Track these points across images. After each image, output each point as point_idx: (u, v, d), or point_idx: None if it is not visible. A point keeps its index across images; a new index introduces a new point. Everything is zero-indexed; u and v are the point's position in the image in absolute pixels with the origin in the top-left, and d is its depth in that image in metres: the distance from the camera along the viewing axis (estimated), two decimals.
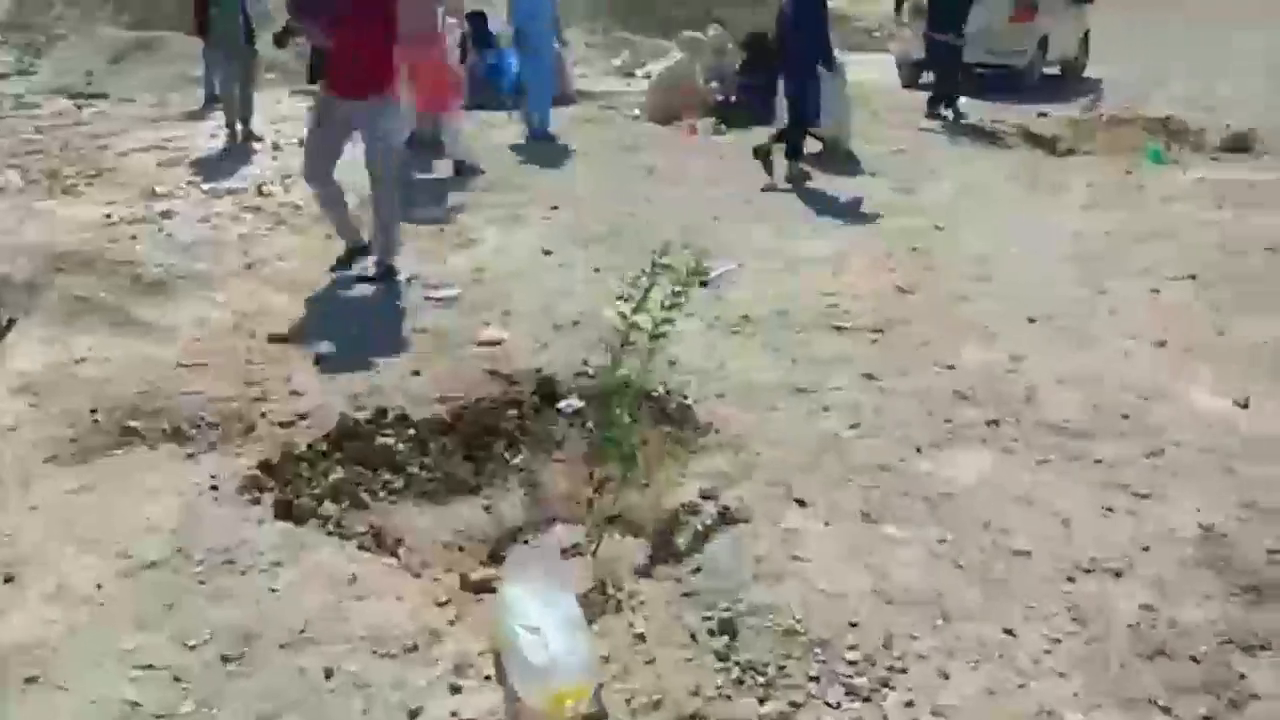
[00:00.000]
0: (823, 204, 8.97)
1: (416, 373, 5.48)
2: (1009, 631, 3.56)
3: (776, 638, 3.52)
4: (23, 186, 8.65)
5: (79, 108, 12.36)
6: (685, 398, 5.24)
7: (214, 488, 4.23)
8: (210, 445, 4.58)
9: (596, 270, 7.09)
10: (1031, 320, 6.37)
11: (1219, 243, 7.78)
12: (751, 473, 4.59)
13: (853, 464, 4.67)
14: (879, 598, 3.74)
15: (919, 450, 4.81)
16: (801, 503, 4.35)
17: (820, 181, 9.64)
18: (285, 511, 4.06)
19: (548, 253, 7.51)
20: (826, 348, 5.92)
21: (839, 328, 6.22)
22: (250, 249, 7.17)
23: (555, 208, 8.57)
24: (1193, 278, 7.08)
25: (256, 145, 10.26)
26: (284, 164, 9.28)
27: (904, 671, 3.36)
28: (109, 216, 7.86)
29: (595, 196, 8.90)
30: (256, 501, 4.15)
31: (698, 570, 3.92)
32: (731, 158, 10.49)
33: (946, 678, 3.34)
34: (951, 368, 5.69)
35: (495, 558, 4.14)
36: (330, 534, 4.01)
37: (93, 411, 4.81)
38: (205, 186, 8.71)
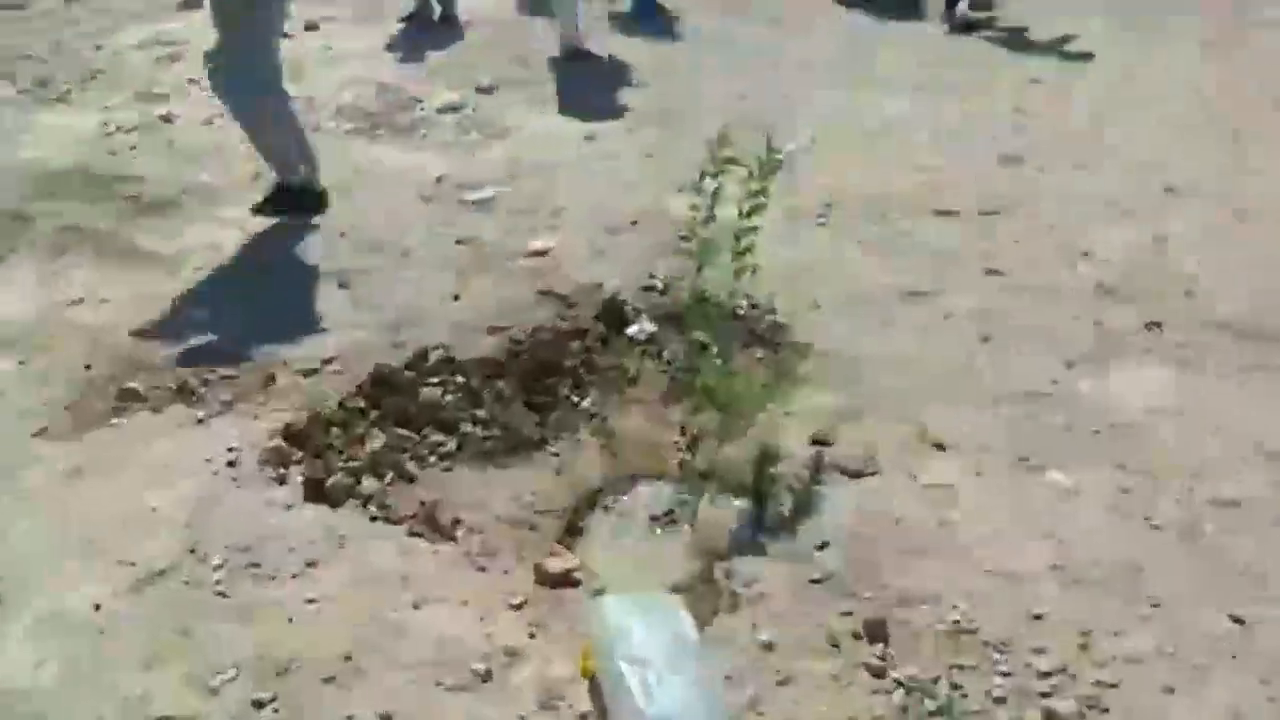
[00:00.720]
0: (896, 54, 7.76)
1: (457, 297, 4.68)
2: (1238, 620, 2.80)
3: (942, 640, 2.80)
4: (13, 96, 7.77)
5: (68, 3, 11.28)
6: (775, 313, 4.40)
7: (231, 464, 3.51)
8: (224, 405, 3.85)
9: (649, 156, 6.14)
10: (1169, 190, 5.39)
11: None
12: (872, 408, 3.80)
13: (995, 390, 3.86)
14: (1062, 576, 2.98)
15: (1071, 366, 3.98)
16: (941, 446, 3.57)
17: (889, 28, 8.38)
18: (317, 492, 3.34)
19: (590, 139, 6.53)
20: (934, 237, 5.02)
21: (943, 212, 5.28)
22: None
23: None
24: None
25: None
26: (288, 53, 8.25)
27: (1116, 686, 2.62)
28: (106, 125, 6.97)
29: (639, 64, 7.79)
30: (282, 480, 3.43)
31: (824, 546, 3.17)
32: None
33: (1172, 693, 2.60)
34: (1087, 255, 4.79)
35: (573, 531, 3.41)
36: (374, 518, 3.29)
37: (87, 368, 4.08)
38: (206, 84, 7.73)
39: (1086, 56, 7.38)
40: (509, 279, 4.86)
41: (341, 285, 4.77)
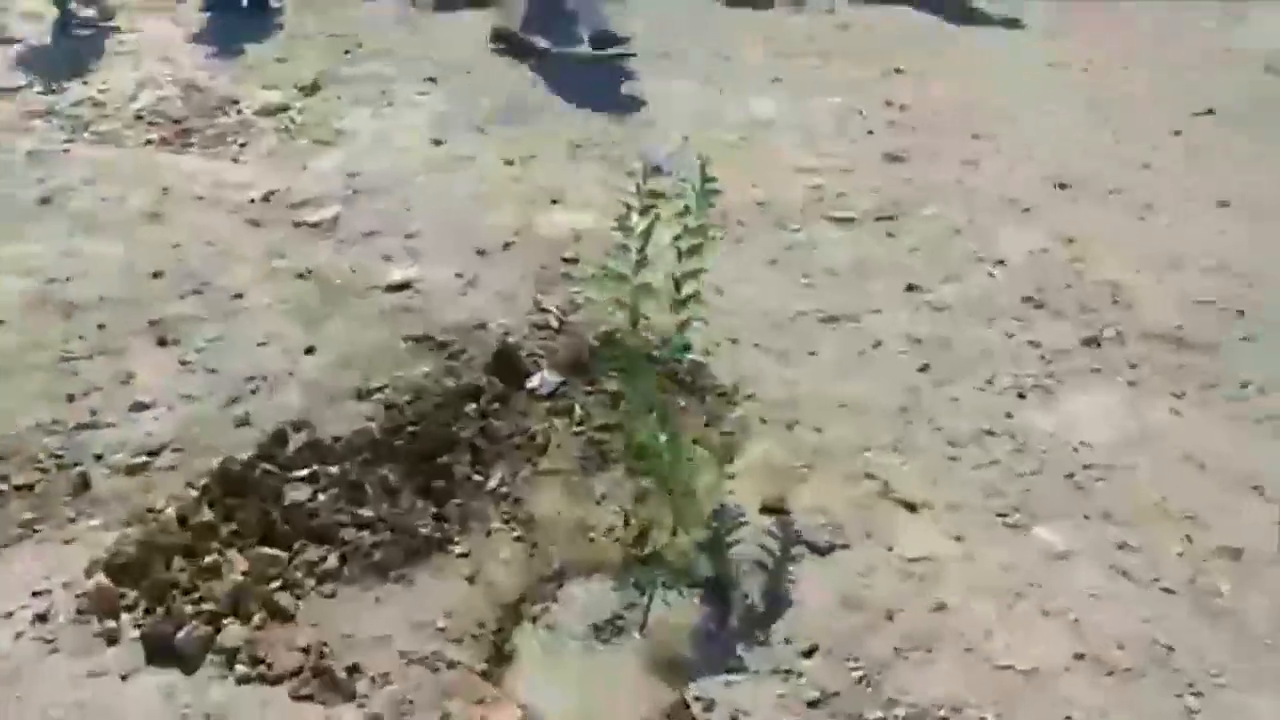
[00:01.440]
0: (758, 41, 7.31)
1: (310, 350, 3.90)
2: None
3: None
4: None
5: None
6: (687, 349, 3.85)
7: (40, 617, 2.67)
8: (21, 529, 2.97)
9: (509, 164, 5.45)
10: (1062, 186, 5.18)
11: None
12: (822, 461, 3.32)
13: (948, 431, 3.46)
14: (1090, 669, 2.59)
15: (1023, 396, 3.63)
16: (909, 506, 3.13)
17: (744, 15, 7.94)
18: (162, 650, 2.56)
19: (438, 143, 5.75)
20: (837, 250, 4.60)
21: (839, 219, 4.87)
22: (46, 173, 5.16)
23: (431, 80, 6.71)
24: (1210, 112, 6.00)
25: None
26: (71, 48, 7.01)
27: None
28: None
29: (478, 60, 7.04)
30: (112, 637, 2.63)
31: (812, 651, 2.67)
32: None
33: None
34: (1002, 263, 4.48)
35: (500, 658, 2.77)
36: (244, 680, 2.54)
37: None
38: None
39: (946, 41, 7.16)
40: (369, 322, 4.11)
41: (161, 342, 3.90)
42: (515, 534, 3.11)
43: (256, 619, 2.66)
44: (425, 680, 2.61)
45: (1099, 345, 3.89)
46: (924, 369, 3.78)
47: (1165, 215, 4.82)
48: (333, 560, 2.87)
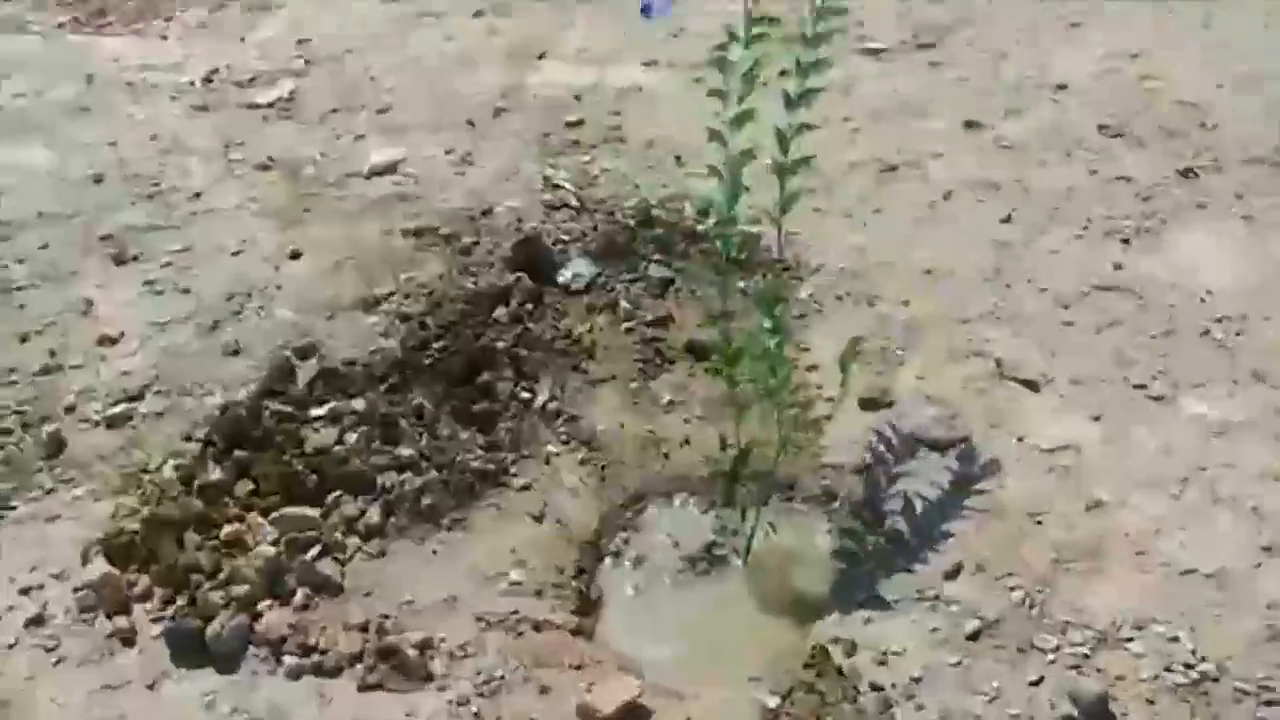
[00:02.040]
0: None
1: (296, 254, 3.33)
2: None
3: (1184, 697, 2.00)
4: None
5: None
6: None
7: (35, 620, 2.20)
8: None
9: (479, 14, 4.75)
10: None
11: None
12: (917, 342, 2.88)
13: (1056, 290, 3.01)
14: None
15: (1127, 242, 3.18)
16: (1030, 384, 2.70)
17: None
18: (192, 648, 2.11)
19: None
20: (877, 87, 4.03)
21: (871, 50, 4.28)
22: None
23: None
24: None
25: None
26: None
27: None
28: None
29: None
30: (128, 639, 2.16)
31: (956, 572, 2.29)
32: None
33: None
34: (1064, 88, 3.95)
35: (588, 606, 2.36)
36: (296, 674, 2.11)
37: None
38: None
39: None
40: (356, 216, 3.53)
41: (118, 260, 3.31)
42: (579, 456, 2.66)
43: (299, 597, 2.21)
44: (509, 647, 2.19)
45: (1196, 175, 3.43)
46: (1008, 219, 3.30)
47: (1228, 24, 4.27)
48: (374, 513, 2.41)
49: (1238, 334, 2.80)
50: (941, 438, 2.59)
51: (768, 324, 2.30)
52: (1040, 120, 3.77)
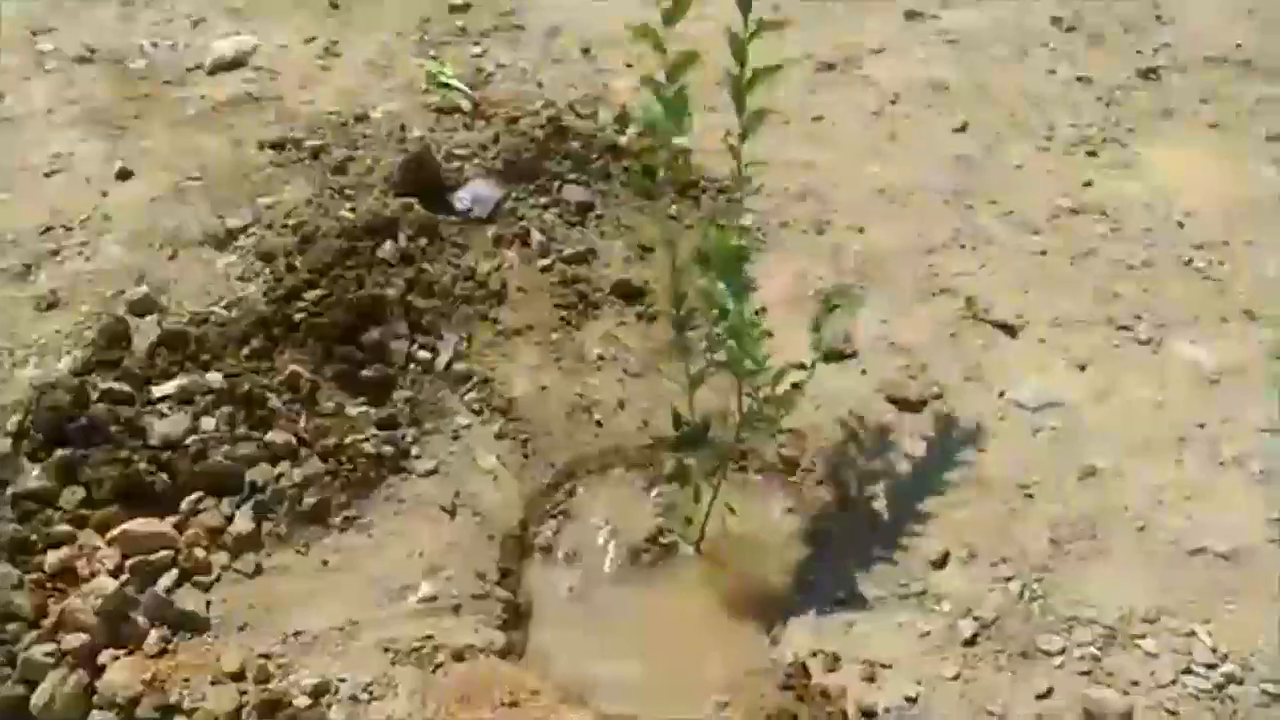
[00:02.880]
0: None
1: (126, 174, 2.73)
2: None
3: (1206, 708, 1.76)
4: None
5: None
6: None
7: None
8: None
9: None
10: None
11: None
12: (876, 275, 2.53)
13: (1023, 212, 2.70)
14: None
15: (1094, 155, 2.87)
16: (1008, 328, 2.41)
17: None
18: (15, 715, 1.64)
19: None
20: None
21: None
22: None
23: None
24: None
25: None
26: None
27: None
28: None
29: None
30: None
31: (944, 560, 1.99)
32: None
33: None
34: None
35: (517, 617, 1.98)
36: None
37: None
38: None
39: None
40: (198, 123, 2.95)
41: None
42: (494, 429, 2.23)
43: (153, 640, 1.75)
44: (426, 686, 1.79)
45: (1158, 77, 3.12)
46: (962, 129, 2.94)
47: None
48: (244, 519, 1.94)
49: (1221, 263, 2.54)
50: (912, 396, 2.26)
51: (724, 286, 1.88)
52: (988, 11, 3.38)
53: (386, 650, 1.84)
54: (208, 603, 1.85)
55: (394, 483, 2.09)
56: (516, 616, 1.99)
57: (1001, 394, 2.26)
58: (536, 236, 2.57)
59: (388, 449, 2.11)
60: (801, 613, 1.97)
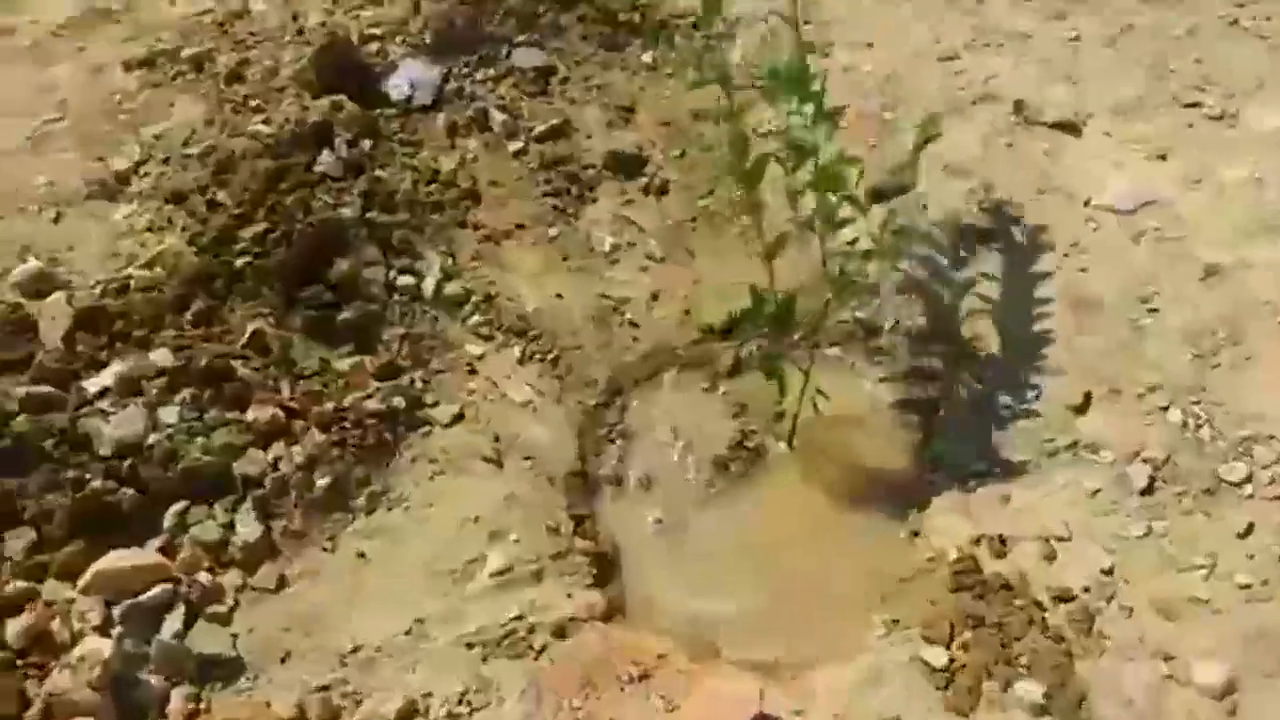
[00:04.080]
0: None
1: None
2: None
3: None
4: None
5: None
6: None
7: None
8: None
9: None
10: None
11: None
12: (893, 94, 2.17)
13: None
14: None
15: None
16: (1070, 127, 2.10)
17: None
18: None
19: None
20: None
21: None
22: None
23: None
24: None
25: None
26: None
27: None
28: None
29: None
30: None
31: (1086, 405, 1.71)
32: None
33: None
34: None
35: (607, 572, 1.63)
36: None
37: None
38: None
39: None
40: (37, 54, 2.34)
41: None
42: (514, 353, 1.83)
43: (177, 703, 1.32)
44: (534, 678, 1.43)
45: None
46: None
47: None
48: (246, 522, 1.51)
49: (1268, 19, 2.26)
50: (987, 222, 1.94)
51: (799, 110, 1.50)
52: None
53: (471, 646, 1.46)
54: (233, 638, 1.43)
55: (416, 441, 1.69)
56: (607, 568, 1.63)
57: (1087, 202, 1.95)
58: (497, 116, 2.12)
59: (397, 401, 1.70)
60: (939, 494, 1.66)
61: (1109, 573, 1.51)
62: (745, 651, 1.53)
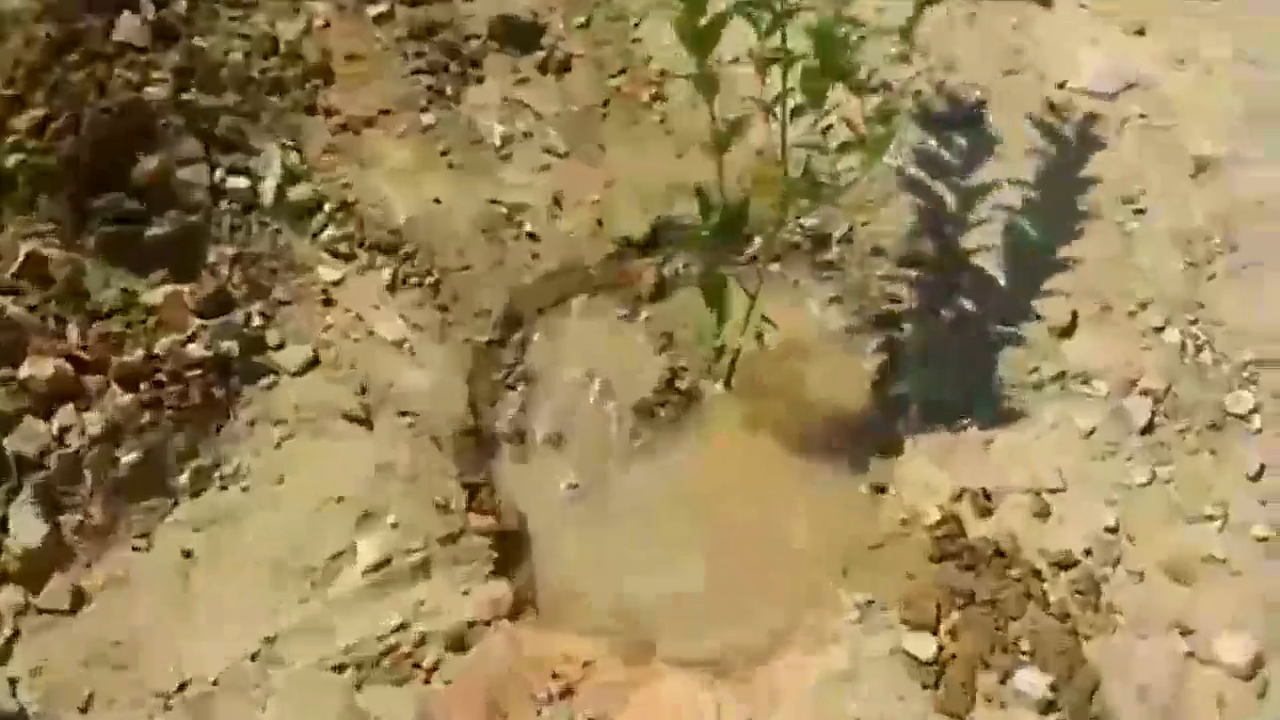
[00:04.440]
0: None
1: None
2: None
3: None
4: None
5: None
6: None
7: None
8: None
9: None
10: None
11: None
12: None
13: None
14: None
15: None
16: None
17: None
18: None
19: None
20: None
21: None
22: None
23: None
24: None
25: None
26: None
27: None
28: None
29: None
30: None
31: (1071, 328, 1.45)
32: None
33: None
34: None
35: (514, 553, 1.31)
36: None
37: None
38: None
39: None
40: None
41: None
42: (382, 277, 1.45)
43: None
44: (426, 710, 1.12)
45: None
46: None
47: None
48: (24, 522, 1.13)
49: None
50: (948, 109, 1.64)
51: None
52: None
53: (340, 669, 1.14)
54: (11, 684, 1.06)
55: (256, 396, 1.31)
56: (512, 549, 1.31)
57: (1062, 84, 1.67)
58: None
59: (229, 345, 1.31)
60: (908, 439, 1.39)
61: (1113, 530, 1.28)
62: (687, 644, 1.25)
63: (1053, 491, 1.31)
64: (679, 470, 1.40)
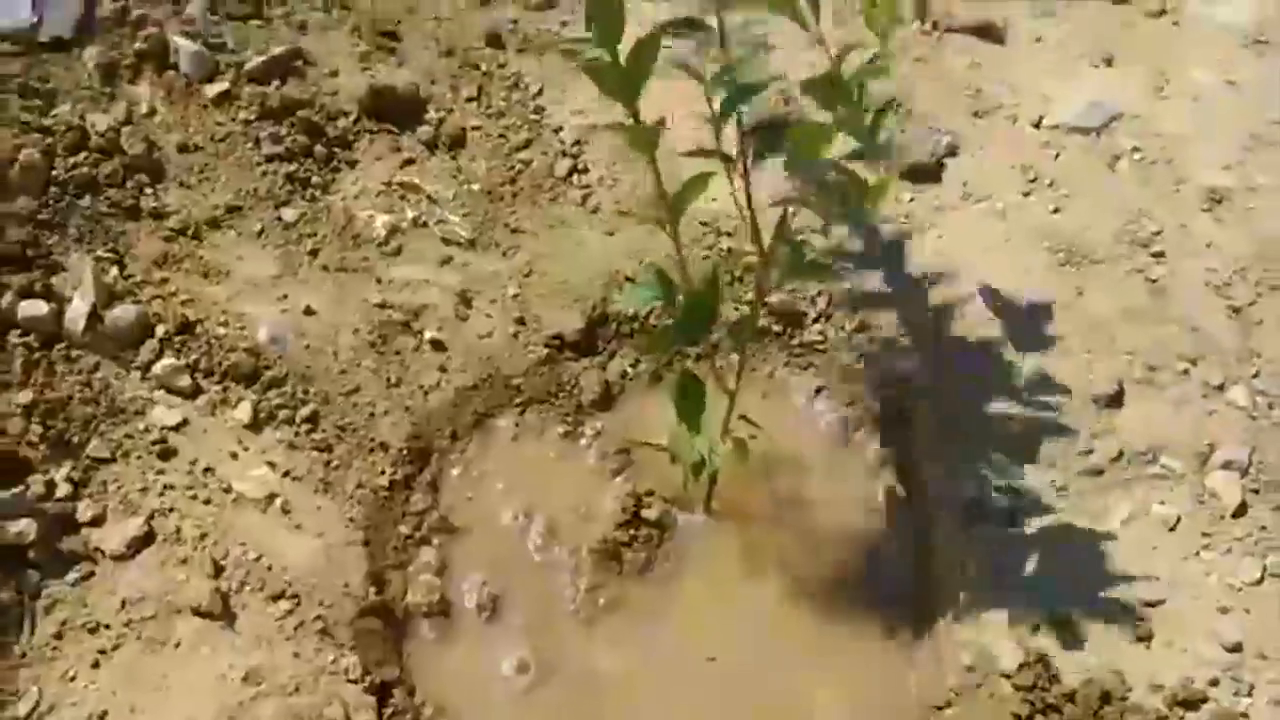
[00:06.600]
0: None
1: None
2: None
3: None
4: None
5: None
6: None
7: None
8: None
9: None
10: None
11: None
12: None
13: None
14: None
15: None
16: (989, 32, 1.58)
17: None
18: None
19: None
20: None
21: None
22: None
23: None
24: None
25: None
26: None
27: None
28: None
29: None
30: None
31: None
32: None
33: None
34: None
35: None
36: None
37: None
38: None
39: None
40: None
41: None
42: (238, 414, 1.10)
43: None
44: None
45: None
46: None
47: None
48: None
49: None
50: (922, 158, 1.40)
51: None
52: None
53: None
54: None
55: (62, 593, 0.92)
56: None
57: (1037, 123, 1.44)
58: (184, 47, 1.36)
59: (23, 526, 0.92)
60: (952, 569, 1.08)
61: (1237, 649, 0.98)
62: None
63: (1150, 605, 1.01)
64: (660, 634, 1.05)
